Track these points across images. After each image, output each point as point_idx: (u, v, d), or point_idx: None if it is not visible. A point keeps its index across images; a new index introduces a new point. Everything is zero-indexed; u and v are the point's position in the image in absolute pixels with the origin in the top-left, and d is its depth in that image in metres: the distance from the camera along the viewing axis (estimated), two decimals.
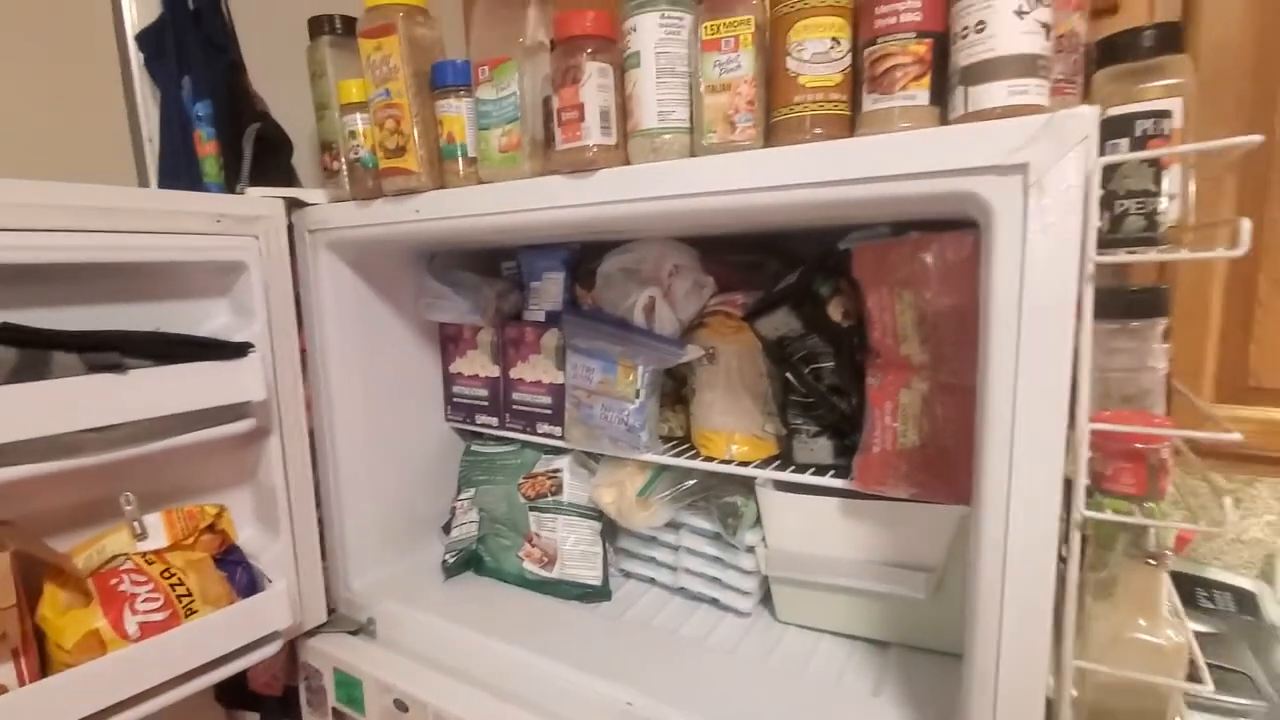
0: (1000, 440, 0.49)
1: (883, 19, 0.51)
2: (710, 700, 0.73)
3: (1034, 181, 0.45)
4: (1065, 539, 0.49)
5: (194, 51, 0.85)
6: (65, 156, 0.84)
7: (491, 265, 1.08)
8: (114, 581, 0.67)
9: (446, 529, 1.10)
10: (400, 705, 0.84)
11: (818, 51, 0.54)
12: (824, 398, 0.78)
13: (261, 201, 0.81)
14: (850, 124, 0.56)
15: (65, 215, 0.62)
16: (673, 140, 0.61)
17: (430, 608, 0.95)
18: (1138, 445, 0.47)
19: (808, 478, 0.80)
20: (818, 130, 0.56)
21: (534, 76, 0.70)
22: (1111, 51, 0.54)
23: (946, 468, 0.68)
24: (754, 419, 0.87)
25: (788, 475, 0.81)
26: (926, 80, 0.51)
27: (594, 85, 0.62)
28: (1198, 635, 0.81)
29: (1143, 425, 0.47)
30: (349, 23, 0.82)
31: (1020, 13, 0.46)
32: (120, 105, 0.89)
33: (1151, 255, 0.46)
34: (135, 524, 0.70)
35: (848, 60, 0.55)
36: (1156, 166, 0.47)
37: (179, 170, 0.86)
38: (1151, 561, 0.49)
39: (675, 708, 0.71)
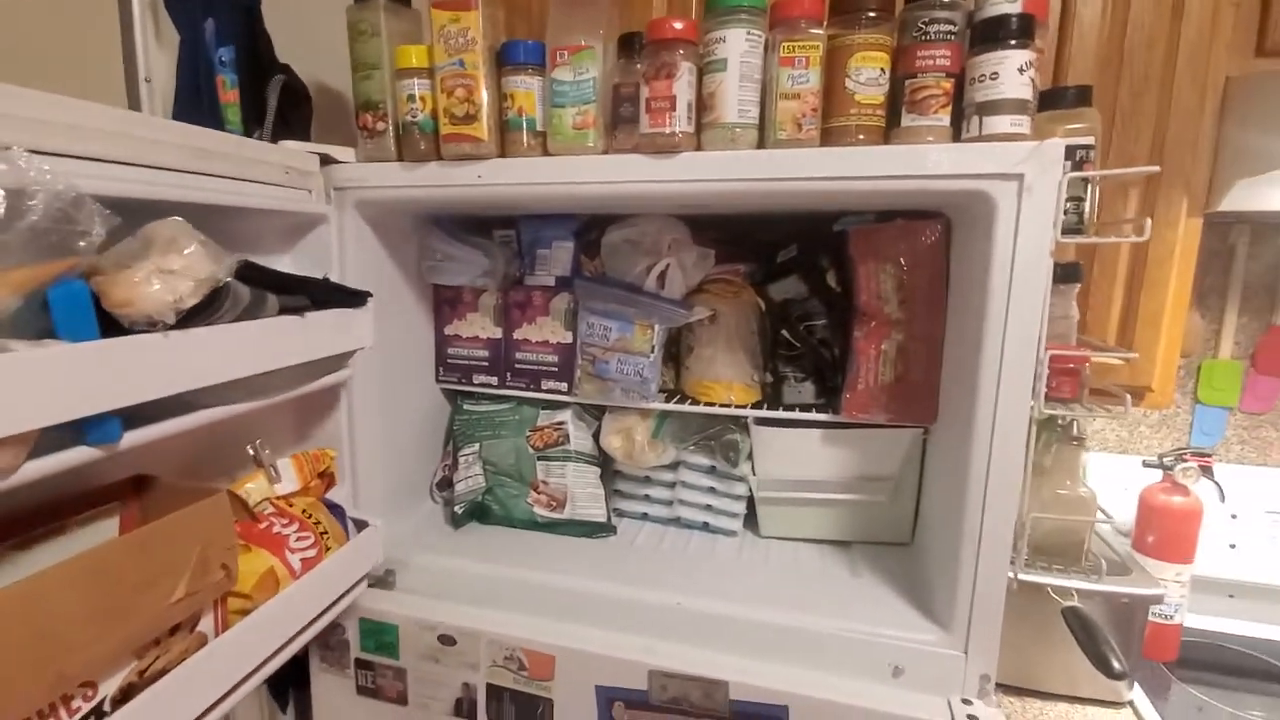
0: (990, 365, 0.71)
1: (922, 60, 0.70)
2: (737, 589, 0.89)
3: (1027, 187, 0.67)
4: (1030, 433, 0.73)
5: None
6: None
7: (485, 233, 1.14)
8: (264, 525, 0.67)
9: (442, 485, 1.15)
10: (447, 640, 0.90)
11: (870, 77, 0.72)
12: (815, 349, 0.98)
13: (311, 156, 0.82)
14: (884, 134, 0.75)
15: (174, 153, 0.62)
16: (745, 133, 0.76)
17: (449, 553, 1.00)
18: (1071, 365, 0.72)
19: (795, 415, 0.99)
20: (861, 136, 0.74)
21: (606, 66, 0.81)
22: (1048, 101, 0.79)
23: (915, 398, 0.91)
24: (746, 370, 1.04)
25: (779, 414, 1.00)
26: (949, 108, 0.71)
27: (685, 81, 0.75)
28: None
29: (1076, 351, 0.71)
30: None
31: (1021, 70, 0.67)
32: (116, 42, 0.83)
33: (1089, 239, 0.70)
34: (271, 469, 0.71)
35: (887, 86, 0.73)
36: (1086, 180, 0.71)
37: (199, 117, 0.82)
38: (1075, 442, 0.74)
39: (716, 598, 0.87)
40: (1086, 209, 0.72)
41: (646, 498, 1.13)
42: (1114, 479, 1.33)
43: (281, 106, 0.88)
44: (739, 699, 0.78)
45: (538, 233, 1.09)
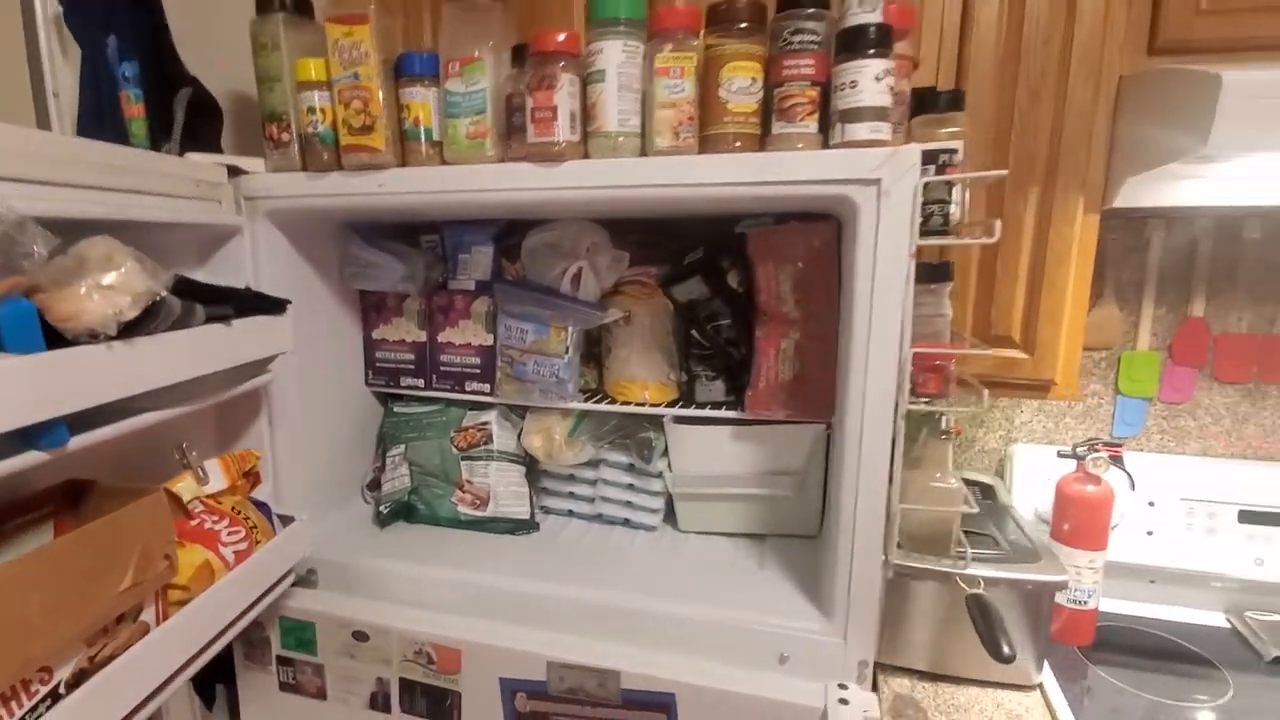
0: (858, 363, 0.74)
1: (788, 70, 0.73)
2: (643, 582, 0.92)
3: (885, 191, 0.70)
4: (897, 427, 0.76)
5: (120, 9, 0.84)
6: None
7: (412, 239, 1.16)
8: (196, 521, 0.71)
9: (371, 486, 1.17)
10: (361, 636, 0.93)
11: (742, 86, 0.75)
12: (722, 349, 1.01)
13: (218, 168, 0.84)
14: (759, 141, 0.77)
15: (85, 170, 0.64)
16: (627, 142, 0.79)
17: (371, 553, 1.03)
18: (937, 363, 0.74)
19: (707, 412, 1.02)
20: (738, 144, 0.77)
21: (498, 76, 0.83)
22: (921, 105, 0.81)
23: (811, 395, 0.94)
24: (662, 369, 1.07)
25: (691, 412, 1.03)
26: (816, 116, 0.74)
27: (565, 92, 0.77)
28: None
29: (941, 349, 0.74)
30: (301, 2, 0.87)
31: (878, 78, 0.70)
32: (22, 57, 0.85)
33: (950, 240, 0.73)
34: (199, 470, 0.74)
35: (761, 94, 0.76)
36: (949, 184, 0.74)
37: (103, 133, 0.84)
38: (944, 436, 0.77)
39: (620, 591, 0.90)
40: (953, 210, 0.75)
41: (571, 495, 1.16)
42: (1039, 469, 1.36)
43: (190, 120, 0.91)
44: (630, 688, 0.81)
45: (459, 238, 1.11)
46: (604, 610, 0.88)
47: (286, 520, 0.93)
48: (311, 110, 0.86)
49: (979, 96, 1.04)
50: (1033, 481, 1.36)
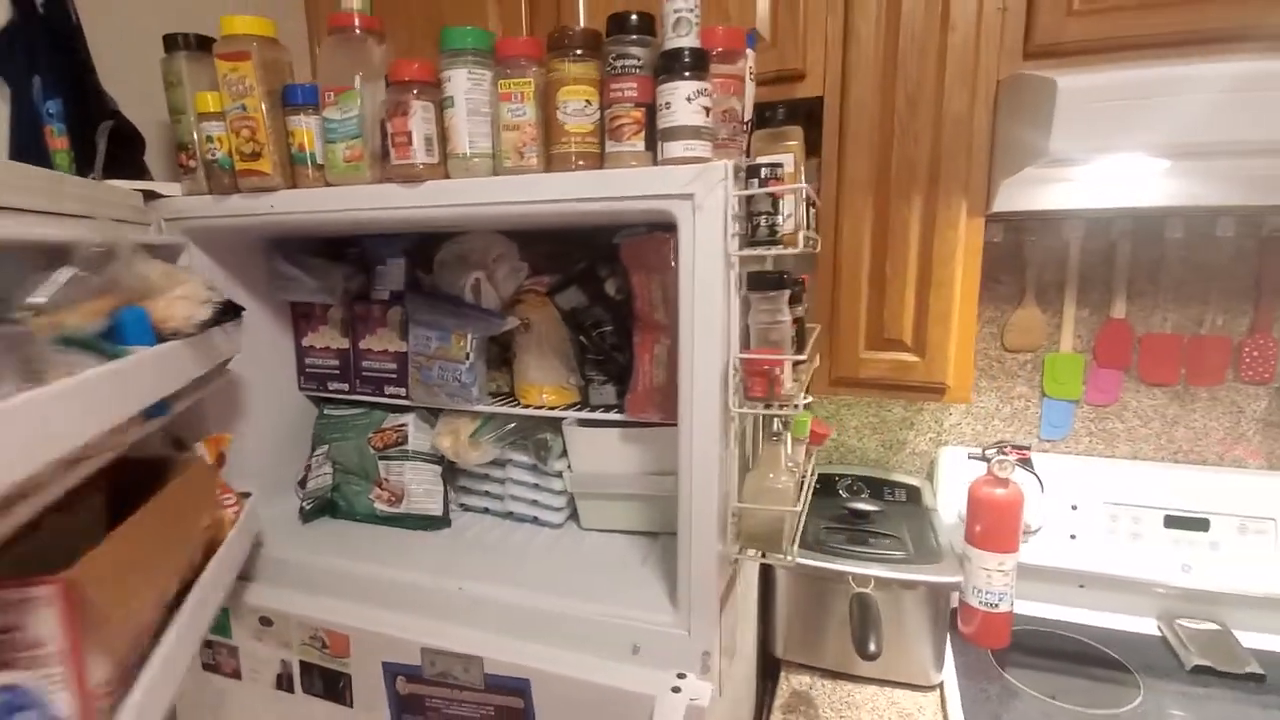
0: (687, 367, 0.78)
1: (615, 92, 0.78)
2: (527, 577, 0.98)
3: (698, 205, 0.74)
4: (726, 428, 0.79)
5: (43, 53, 0.94)
6: None
7: (337, 250, 1.24)
8: None
9: (301, 484, 1.26)
10: (265, 621, 1.01)
11: (576, 108, 0.80)
12: (609, 354, 1.05)
13: (134, 193, 0.93)
14: (601, 159, 0.82)
15: (28, 196, 0.72)
16: (480, 162, 0.84)
17: (289, 545, 1.10)
18: (764, 367, 0.78)
19: (599, 415, 1.07)
20: (580, 162, 0.81)
21: (373, 102, 0.90)
22: (759, 120, 0.85)
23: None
24: (561, 374, 1.12)
25: (585, 415, 1.08)
26: (642, 135, 0.78)
27: (419, 118, 0.83)
28: (868, 513, 1.18)
29: (764, 355, 0.78)
30: (203, 40, 0.95)
31: (689, 99, 0.74)
32: None
33: (777, 251, 0.76)
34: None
35: (598, 115, 0.81)
36: (773, 196, 0.77)
37: (29, 162, 0.94)
38: (775, 438, 0.81)
39: (498, 584, 0.95)
40: (781, 221, 0.78)
41: (486, 493, 1.22)
42: (963, 472, 1.36)
43: (113, 149, 1.00)
44: (491, 672, 0.87)
45: (377, 251, 1.19)
46: (479, 601, 0.93)
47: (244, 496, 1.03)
48: (210, 139, 0.94)
49: (862, 105, 1.06)
50: (957, 484, 1.37)
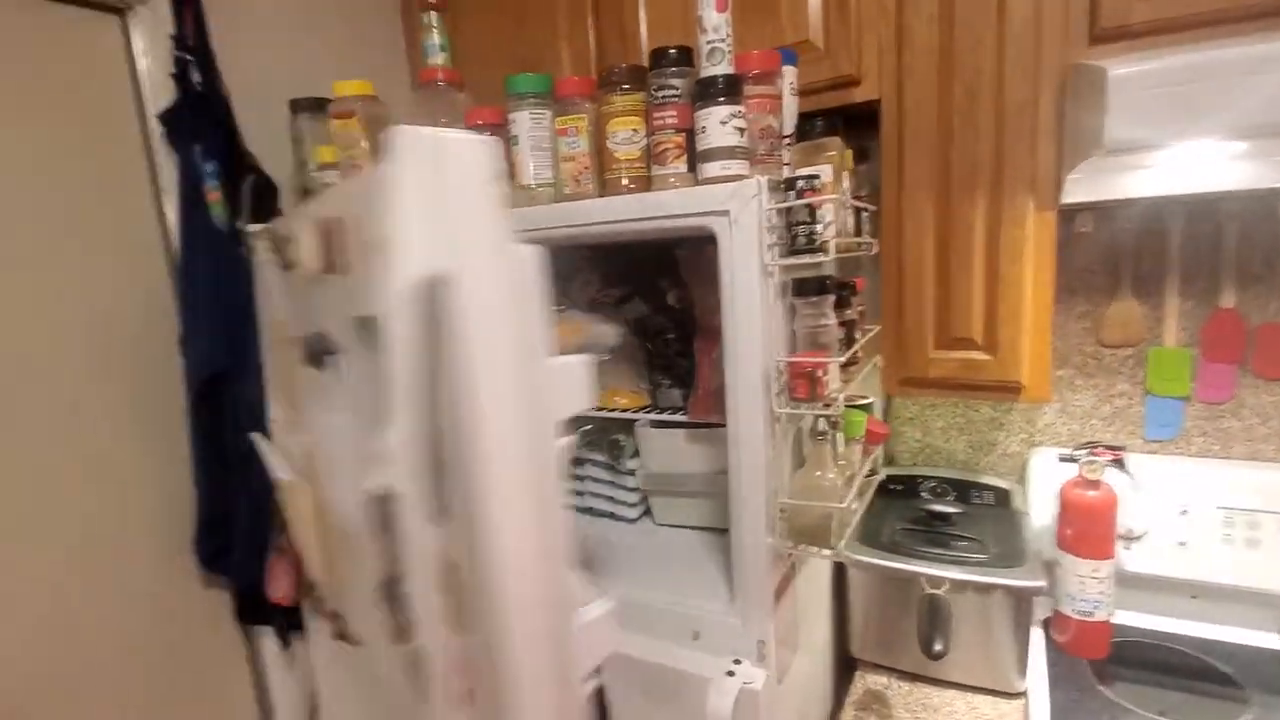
0: (733, 371, 0.83)
1: (658, 120, 0.85)
2: (602, 566, 1.06)
3: (734, 219, 0.79)
4: (772, 428, 0.84)
5: (201, 124, 1.15)
6: (101, 206, 1.13)
7: None
8: None
9: None
10: None
11: (625, 137, 0.87)
12: (673, 360, 1.12)
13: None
14: (648, 182, 0.89)
15: None
16: (543, 191, 0.94)
17: None
18: (806, 369, 0.81)
19: (668, 416, 1.14)
20: (630, 186, 0.89)
21: None
22: (799, 133, 0.88)
23: None
24: (631, 378, 1.20)
25: (655, 416, 1.15)
26: (684, 158, 0.84)
27: None
28: (948, 515, 1.18)
29: (805, 358, 0.81)
30: (320, 102, 1.12)
31: (723, 122, 0.79)
32: (143, 165, 1.18)
33: (820, 258, 0.80)
34: None
35: (644, 142, 0.88)
36: (810, 207, 0.81)
37: (193, 212, 1.15)
38: (821, 436, 0.84)
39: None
40: (819, 230, 0.81)
41: (567, 491, 1.32)
42: (1060, 474, 1.30)
43: (258, 199, 1.20)
44: None
45: None
46: None
47: None
48: (327, 185, 1.10)
49: (918, 104, 1.06)
50: (1050, 488, 1.31)
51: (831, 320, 0.85)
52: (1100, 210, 1.25)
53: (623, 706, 0.92)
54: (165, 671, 1.20)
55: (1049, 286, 1.04)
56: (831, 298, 0.85)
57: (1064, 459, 1.23)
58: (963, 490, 1.37)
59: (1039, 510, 1.31)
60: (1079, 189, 0.97)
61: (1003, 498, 1.36)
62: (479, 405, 0.50)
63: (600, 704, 0.92)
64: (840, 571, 1.25)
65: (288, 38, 1.32)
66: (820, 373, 0.81)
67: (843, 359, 0.82)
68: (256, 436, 1.13)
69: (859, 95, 1.12)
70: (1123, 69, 0.76)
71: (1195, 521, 1.20)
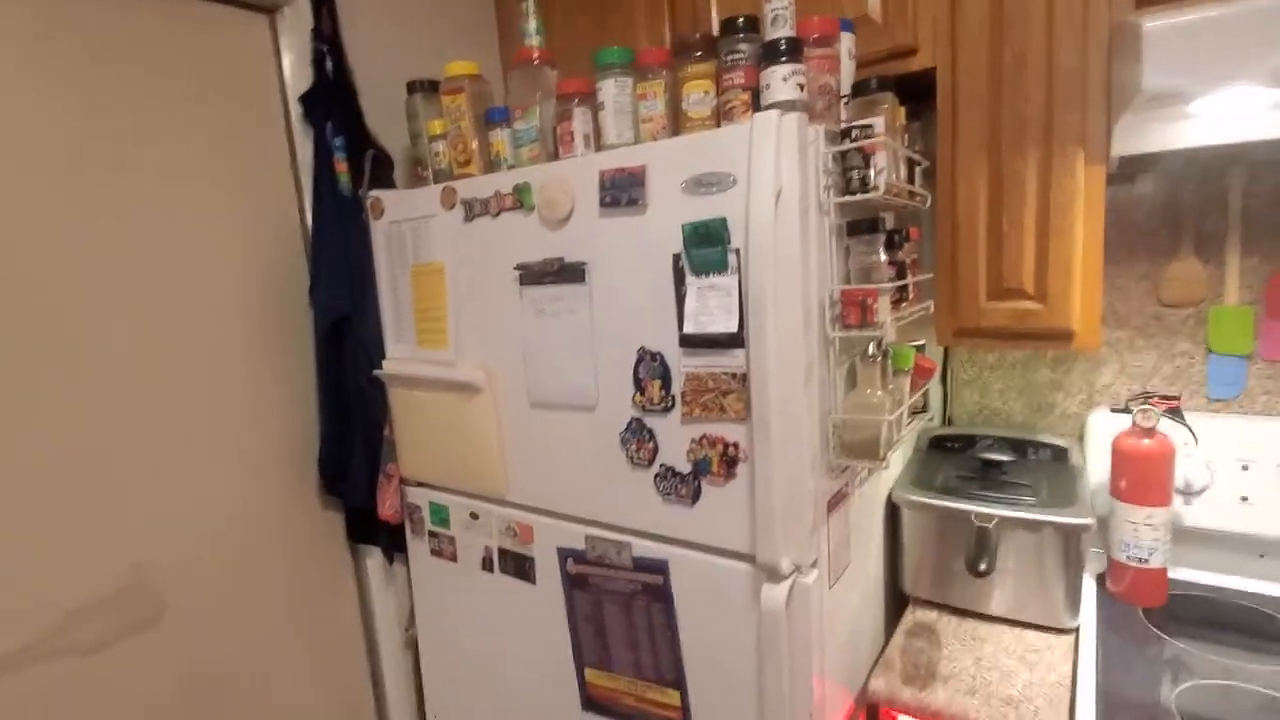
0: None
1: (727, 80, 0.96)
2: None
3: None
4: (825, 350, 0.94)
5: (332, 104, 1.35)
6: (251, 174, 1.34)
7: None
8: None
9: None
10: (473, 515, 1.32)
11: (698, 99, 0.99)
12: None
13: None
14: None
15: None
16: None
17: None
18: (858, 298, 0.91)
19: None
20: None
21: (547, 115, 1.17)
22: (855, 90, 0.98)
23: None
24: None
25: None
26: (750, 114, 0.96)
27: (579, 120, 1.08)
28: (1000, 463, 1.24)
29: (856, 288, 0.91)
30: (432, 84, 1.30)
31: (784, 79, 0.90)
32: (283, 144, 1.38)
33: (868, 197, 0.90)
34: None
35: (714, 103, 1.00)
36: (863, 152, 0.91)
37: (323, 180, 1.35)
38: (870, 359, 0.93)
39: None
40: (872, 175, 0.91)
41: None
42: (1118, 429, 1.33)
43: (375, 170, 1.39)
44: (638, 555, 1.08)
45: None
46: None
47: None
48: (437, 154, 1.28)
49: (970, 70, 1.14)
50: (1108, 445, 1.34)
51: (882, 257, 0.94)
52: (1160, 169, 1.28)
53: (684, 602, 1.04)
54: (286, 578, 1.40)
55: (1099, 237, 1.09)
56: (882, 237, 0.94)
57: (1116, 410, 1.26)
58: (1019, 447, 1.41)
59: (1096, 467, 1.34)
60: (1123, 141, 1.03)
61: (1060, 454, 1.40)
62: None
63: (666, 596, 1.04)
64: (894, 515, 1.32)
65: (400, 29, 1.51)
66: (870, 300, 0.90)
67: (888, 286, 0.91)
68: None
69: (915, 64, 1.20)
70: (1157, 21, 0.82)
71: (1259, 477, 1.21)
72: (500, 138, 1.21)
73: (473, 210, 1.18)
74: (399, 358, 1.36)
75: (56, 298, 1.08)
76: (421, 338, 1.31)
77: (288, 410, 1.39)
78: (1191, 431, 1.18)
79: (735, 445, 0.94)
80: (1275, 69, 0.83)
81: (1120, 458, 1.20)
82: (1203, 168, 1.24)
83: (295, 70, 1.36)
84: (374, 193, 1.34)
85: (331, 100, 1.34)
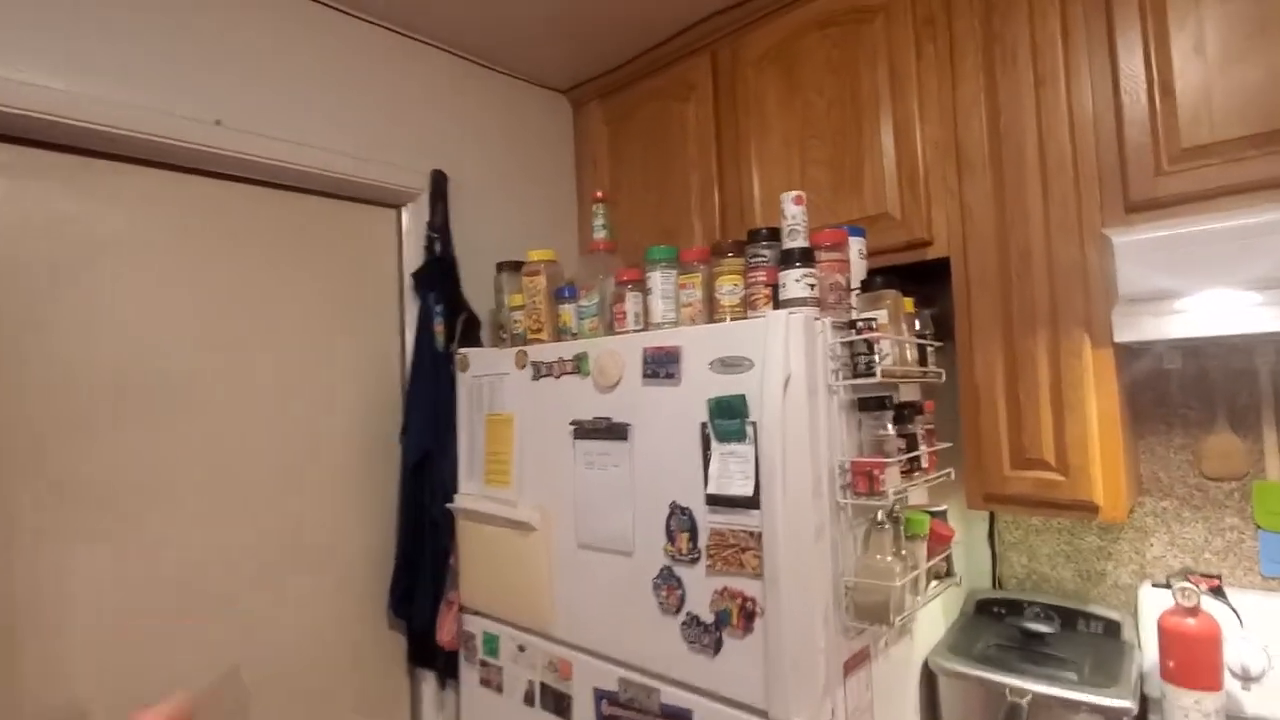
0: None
1: (752, 278, 1.15)
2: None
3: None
4: (836, 515, 1.03)
5: (437, 278, 1.64)
6: (368, 331, 1.62)
7: None
8: None
9: None
10: (520, 647, 1.42)
11: (729, 290, 1.18)
12: None
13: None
14: None
15: None
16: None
17: None
18: (865, 469, 1.01)
19: None
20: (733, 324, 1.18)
21: (606, 294, 1.39)
22: (864, 286, 1.14)
23: None
24: None
25: None
26: (770, 304, 1.13)
27: (630, 302, 1.29)
28: (1042, 635, 1.25)
29: (863, 460, 1.02)
30: (515, 265, 1.57)
31: (797, 280, 1.08)
32: (395, 308, 1.68)
33: (872, 380, 1.02)
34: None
35: (742, 294, 1.18)
36: (868, 341, 1.05)
37: (422, 339, 1.61)
38: (880, 526, 1.01)
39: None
40: (877, 359, 1.04)
41: None
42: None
43: (465, 330, 1.65)
44: (665, 702, 1.14)
45: None
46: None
47: None
48: (517, 321, 1.52)
49: (980, 263, 1.28)
50: None
51: (891, 431, 1.05)
52: (1186, 348, 1.34)
53: None
54: (352, 694, 1.53)
55: (1114, 414, 1.15)
56: (890, 413, 1.06)
57: (1158, 586, 1.24)
58: (1069, 617, 1.39)
59: (1151, 644, 1.30)
60: (1120, 329, 1.12)
61: (1113, 629, 1.36)
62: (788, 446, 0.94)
63: None
64: (931, 685, 1.31)
65: (496, 222, 1.84)
66: (876, 471, 1.00)
67: (896, 460, 1.01)
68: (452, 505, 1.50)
69: (931, 254, 1.36)
70: (1124, 238, 0.95)
71: None
72: (567, 310, 1.44)
73: (540, 371, 1.39)
74: (469, 493, 1.54)
75: (213, 425, 1.36)
76: (489, 478, 1.49)
77: (371, 533, 1.58)
78: (1236, 613, 1.15)
79: (753, 600, 1.03)
80: (1255, 277, 0.93)
81: (1167, 637, 1.17)
82: (1228, 346, 1.29)
83: (411, 251, 1.68)
84: (463, 350, 1.59)
85: (435, 275, 1.64)
